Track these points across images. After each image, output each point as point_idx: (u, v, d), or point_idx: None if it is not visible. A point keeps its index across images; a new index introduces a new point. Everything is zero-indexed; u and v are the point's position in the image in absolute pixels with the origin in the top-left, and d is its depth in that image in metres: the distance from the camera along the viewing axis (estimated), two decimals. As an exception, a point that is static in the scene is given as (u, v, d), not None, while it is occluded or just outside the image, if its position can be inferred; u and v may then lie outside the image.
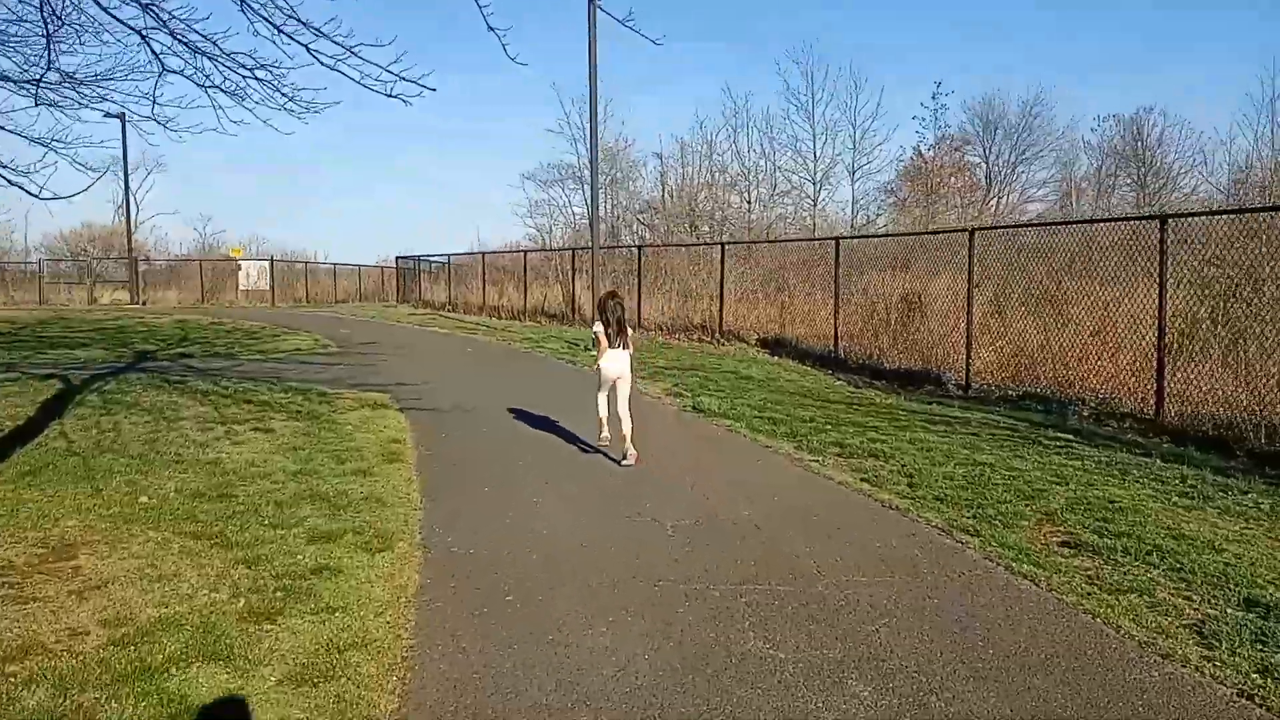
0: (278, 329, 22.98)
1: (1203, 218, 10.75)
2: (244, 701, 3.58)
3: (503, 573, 5.09)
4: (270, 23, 5.59)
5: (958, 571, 5.11)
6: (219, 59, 6.22)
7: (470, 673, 3.85)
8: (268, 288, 39.95)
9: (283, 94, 6.46)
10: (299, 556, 5.24)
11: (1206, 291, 10.57)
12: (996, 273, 13.57)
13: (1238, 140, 60.01)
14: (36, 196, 7.12)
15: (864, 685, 3.72)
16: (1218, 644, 4.07)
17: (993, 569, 5.15)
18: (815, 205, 40.50)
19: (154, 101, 6.86)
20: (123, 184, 38.48)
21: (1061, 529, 5.87)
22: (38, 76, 6.80)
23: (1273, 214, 9.85)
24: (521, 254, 30.83)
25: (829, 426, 9.47)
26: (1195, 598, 4.67)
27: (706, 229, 35.86)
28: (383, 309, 35.24)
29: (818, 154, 41.07)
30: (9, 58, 8.14)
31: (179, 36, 6.04)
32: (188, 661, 3.87)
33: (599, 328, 7.96)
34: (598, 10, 17.80)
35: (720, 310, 20.13)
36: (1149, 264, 10.27)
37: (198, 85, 6.45)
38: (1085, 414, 10.41)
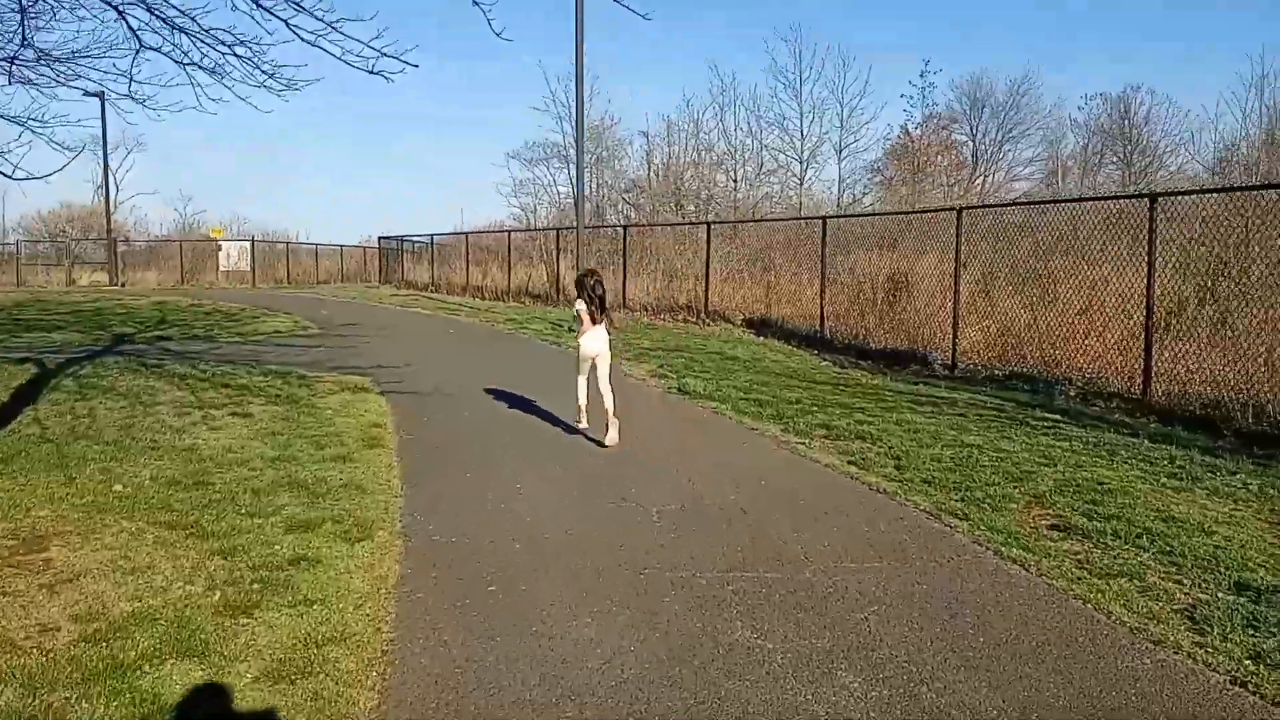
0: (258, 310, 22.75)
1: (1192, 196, 10.67)
2: (219, 699, 3.48)
3: (485, 561, 4.99)
4: (249, -3, 5.44)
5: (946, 556, 5.06)
6: (197, 35, 6.08)
7: (452, 667, 3.76)
8: (248, 268, 39.54)
9: (262, 71, 6.33)
10: (277, 547, 5.13)
11: (1194, 270, 10.54)
12: (983, 252, 13.51)
13: (1224, 118, 60.26)
14: (10, 177, 6.96)
15: (854, 676, 3.66)
16: (1209, 629, 4.02)
17: (982, 553, 5.09)
18: (802, 184, 40.45)
19: (131, 79, 6.73)
20: (102, 164, 38.03)
21: (1050, 512, 5.83)
22: (12, 54, 6.63)
23: (1262, 192, 9.80)
24: (506, 234, 30.63)
25: (815, 408, 9.41)
26: (1186, 582, 4.62)
27: (692, 208, 35.70)
28: (365, 290, 34.97)
29: (805, 132, 41.04)
30: (-19, 34, 7.92)
31: (156, 12, 5.89)
32: (161, 658, 3.76)
33: (581, 305, 7.86)
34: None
35: (706, 290, 20.02)
36: (1137, 243, 10.22)
37: (176, 62, 6.31)
38: (1072, 394, 10.38)
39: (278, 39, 7.47)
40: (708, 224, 21.53)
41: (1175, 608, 4.31)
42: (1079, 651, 3.87)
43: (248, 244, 40.77)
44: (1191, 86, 63.22)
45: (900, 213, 21.94)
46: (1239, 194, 10.39)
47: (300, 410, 9.17)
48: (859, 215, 25.72)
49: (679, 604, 4.40)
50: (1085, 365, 10.95)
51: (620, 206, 40.18)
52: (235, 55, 6.14)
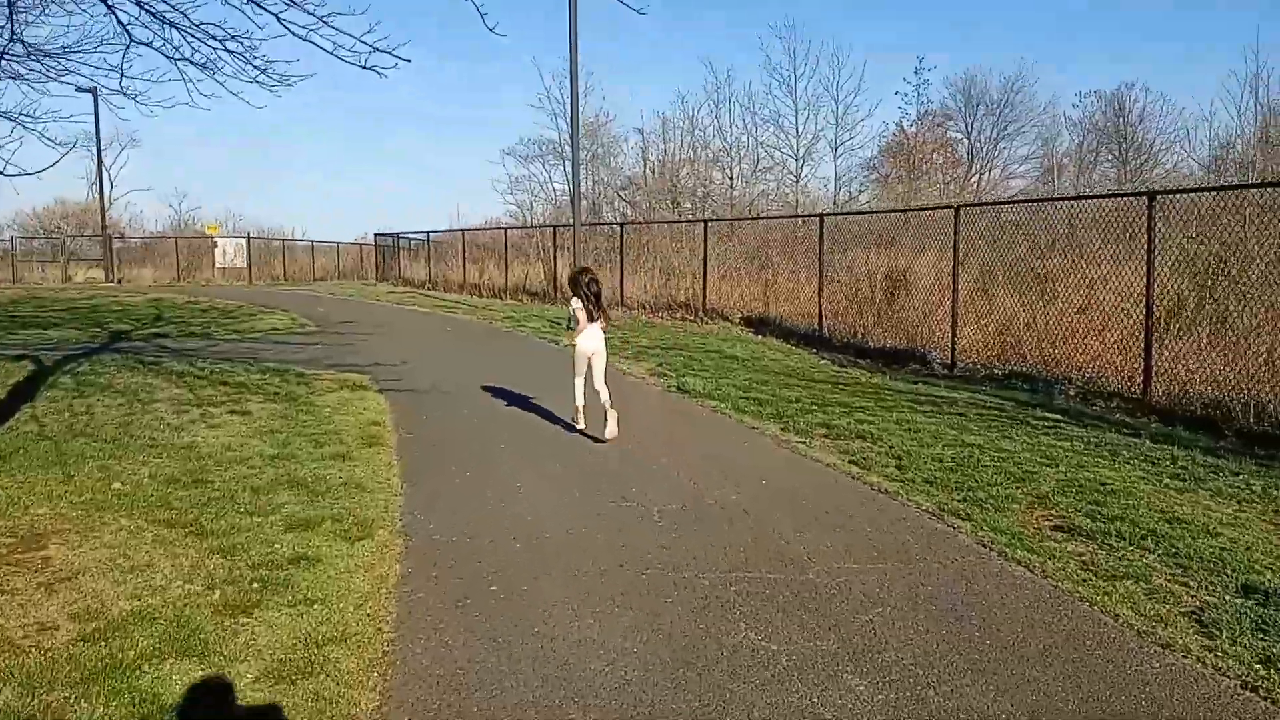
0: (254, 308, 22.68)
1: (1190, 194, 10.65)
2: (219, 699, 3.44)
3: (486, 561, 4.96)
4: (240, -9, 5.39)
5: (950, 558, 5.03)
6: (188, 30, 6.02)
7: (454, 668, 3.72)
8: (244, 265, 39.42)
9: (254, 66, 6.28)
10: (276, 545, 5.09)
11: (1193, 268, 10.52)
12: (981, 250, 13.48)
13: (1219, 115, 60.33)
14: (2, 173, 6.90)
15: (860, 679, 3.63)
16: (1218, 633, 3.99)
17: (986, 555, 5.06)
18: (798, 181, 40.31)
19: (123, 75, 6.67)
20: (95, 160, 37.88)
21: (1054, 512, 5.80)
22: (1, 49, 6.57)
23: (1261, 190, 9.78)
24: (502, 231, 30.63)
25: (815, 407, 9.38)
26: (1192, 584, 4.59)
27: (689, 205, 35.63)
28: (361, 287, 34.89)
29: (800, 129, 40.83)
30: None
31: (146, 6, 5.84)
32: (161, 658, 3.73)
33: (577, 304, 7.82)
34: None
35: (703, 288, 19.98)
36: (1136, 241, 10.20)
37: (167, 58, 6.26)
38: (1072, 393, 10.36)
39: (269, 34, 7.47)
40: (705, 221, 21.49)
41: (1183, 610, 4.28)
42: (1087, 655, 3.84)
43: (244, 241, 40.67)
44: (1188, 85, 63.38)
45: (898, 210, 21.90)
46: (1238, 192, 10.37)
47: (299, 408, 9.13)
48: (858, 213, 25.66)
49: (682, 605, 4.37)
50: (1085, 364, 10.93)
51: (616, 204, 40.12)
52: (227, 50, 6.10)
